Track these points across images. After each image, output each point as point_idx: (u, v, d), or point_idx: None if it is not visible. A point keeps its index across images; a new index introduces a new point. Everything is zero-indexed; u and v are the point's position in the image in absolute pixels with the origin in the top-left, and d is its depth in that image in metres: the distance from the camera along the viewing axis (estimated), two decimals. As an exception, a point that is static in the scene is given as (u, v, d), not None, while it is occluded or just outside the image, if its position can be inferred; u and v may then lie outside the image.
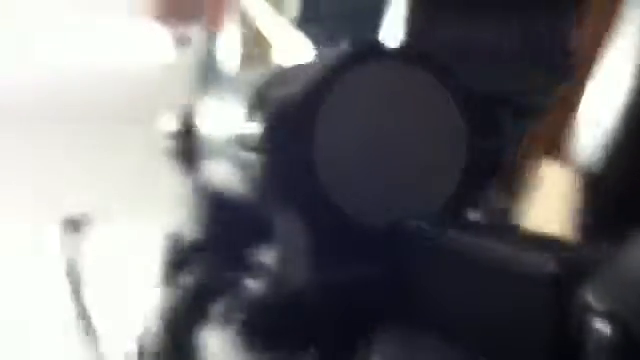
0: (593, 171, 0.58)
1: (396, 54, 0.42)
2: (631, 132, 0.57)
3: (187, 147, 0.59)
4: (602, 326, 0.25)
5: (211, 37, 2.24)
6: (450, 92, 0.42)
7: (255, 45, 1.85)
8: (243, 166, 0.44)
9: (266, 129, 0.41)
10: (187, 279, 0.53)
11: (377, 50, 0.43)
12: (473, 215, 0.44)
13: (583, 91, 0.63)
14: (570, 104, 0.66)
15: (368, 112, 0.42)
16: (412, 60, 0.42)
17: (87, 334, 1.04)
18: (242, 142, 0.43)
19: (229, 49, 2.01)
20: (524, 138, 0.72)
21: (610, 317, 0.25)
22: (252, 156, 0.42)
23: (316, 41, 1.29)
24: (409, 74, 0.42)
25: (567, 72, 0.69)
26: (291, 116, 0.41)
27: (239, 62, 1.93)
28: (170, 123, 0.62)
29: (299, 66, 0.47)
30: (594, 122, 0.59)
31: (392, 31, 0.87)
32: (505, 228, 0.41)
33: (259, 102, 0.46)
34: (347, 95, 0.41)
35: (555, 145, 0.65)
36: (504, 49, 0.84)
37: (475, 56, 0.83)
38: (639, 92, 0.56)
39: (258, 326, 0.41)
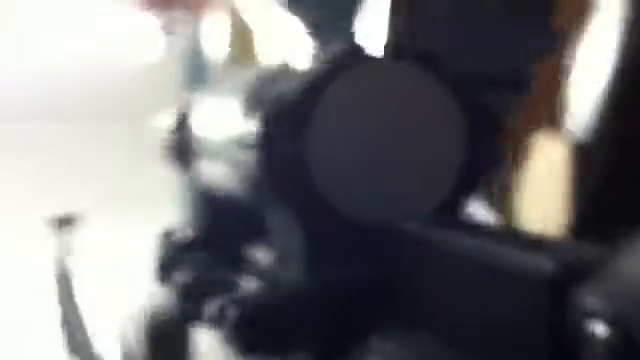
0: (584, 140, 0.58)
1: (393, 54, 0.42)
2: (619, 99, 0.57)
3: (182, 145, 0.59)
4: (600, 328, 0.25)
5: (198, 26, 2.24)
6: (448, 91, 0.42)
7: (242, 33, 1.85)
8: (238, 165, 0.44)
9: (261, 128, 0.41)
10: (180, 278, 0.53)
11: (374, 50, 0.43)
12: (470, 214, 0.44)
13: (568, 61, 0.63)
14: (556, 75, 0.66)
15: (364, 112, 0.42)
16: (409, 60, 0.42)
17: (74, 335, 1.03)
18: (237, 141, 0.43)
19: (216, 38, 2.01)
20: (514, 112, 0.72)
21: (608, 319, 0.25)
22: (247, 155, 0.42)
23: (303, 23, 1.30)
24: (406, 74, 0.42)
25: (550, 44, 0.70)
26: (286, 115, 0.41)
27: (227, 51, 1.92)
28: (164, 121, 0.62)
29: (295, 65, 0.47)
30: (583, 91, 0.59)
31: (371, 28, 0.87)
32: (503, 229, 0.40)
33: (255, 100, 0.46)
34: (343, 95, 0.41)
35: (545, 117, 0.66)
36: (491, 30, 0.84)
37: (463, 40, 0.83)
38: (624, 59, 0.57)
39: (252, 326, 0.41)
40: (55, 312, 1.07)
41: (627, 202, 0.57)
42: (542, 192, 0.62)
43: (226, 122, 0.47)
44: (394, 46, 0.43)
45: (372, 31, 0.89)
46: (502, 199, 0.67)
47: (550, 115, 0.65)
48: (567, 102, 0.62)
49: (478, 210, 0.68)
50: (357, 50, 0.43)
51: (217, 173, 0.52)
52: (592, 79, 0.58)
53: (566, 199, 0.58)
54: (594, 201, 0.57)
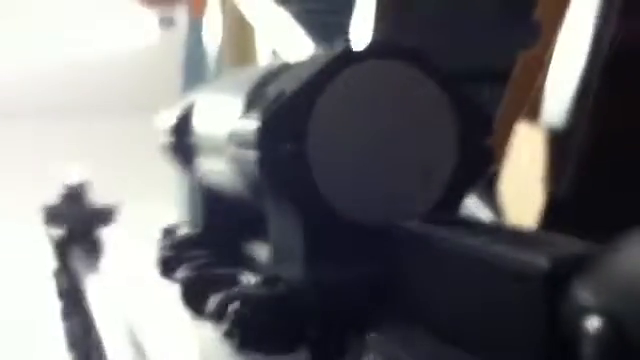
0: (561, 131, 0.58)
1: (393, 53, 0.42)
2: (596, 88, 0.57)
3: (182, 143, 0.59)
4: (596, 325, 0.25)
5: (195, 21, 2.23)
6: (444, 91, 0.42)
7: (238, 29, 1.84)
8: (238, 163, 0.44)
9: (260, 126, 0.41)
10: (181, 275, 0.53)
11: (374, 49, 0.43)
12: (466, 212, 0.44)
13: (547, 54, 0.63)
14: (536, 65, 0.66)
15: (363, 111, 0.42)
16: (408, 59, 0.42)
17: (75, 331, 1.03)
18: (237, 139, 0.43)
19: (213, 33, 2.00)
20: (497, 104, 0.73)
21: (604, 316, 0.25)
22: (246, 153, 0.42)
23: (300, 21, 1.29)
24: (405, 73, 0.42)
25: (532, 36, 0.70)
26: (285, 114, 0.41)
27: (227, 49, 1.92)
28: (165, 119, 0.62)
29: (295, 63, 0.47)
30: (561, 81, 0.60)
31: (366, 27, 0.87)
32: (498, 227, 0.41)
33: (254, 99, 0.46)
34: (342, 93, 0.41)
35: (525, 106, 0.66)
36: (478, 25, 0.84)
37: (452, 36, 0.83)
38: (599, 51, 0.57)
39: (251, 324, 0.41)
40: (55, 308, 1.07)
41: (606, 188, 0.57)
42: (523, 180, 0.62)
43: (226, 120, 0.47)
44: (388, 44, 0.43)
45: (367, 30, 0.89)
46: (493, 193, 0.67)
47: (530, 104, 0.65)
48: (546, 91, 0.62)
49: (473, 207, 0.68)
50: (355, 49, 0.43)
51: (217, 171, 0.52)
52: (570, 69, 0.59)
53: (546, 186, 0.58)
54: (573, 188, 0.58)
